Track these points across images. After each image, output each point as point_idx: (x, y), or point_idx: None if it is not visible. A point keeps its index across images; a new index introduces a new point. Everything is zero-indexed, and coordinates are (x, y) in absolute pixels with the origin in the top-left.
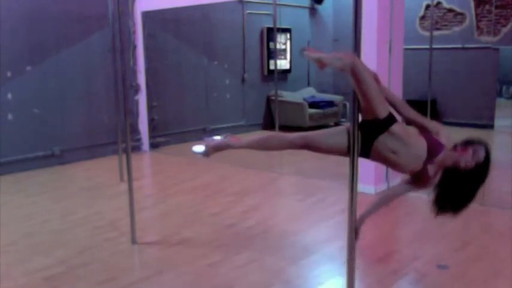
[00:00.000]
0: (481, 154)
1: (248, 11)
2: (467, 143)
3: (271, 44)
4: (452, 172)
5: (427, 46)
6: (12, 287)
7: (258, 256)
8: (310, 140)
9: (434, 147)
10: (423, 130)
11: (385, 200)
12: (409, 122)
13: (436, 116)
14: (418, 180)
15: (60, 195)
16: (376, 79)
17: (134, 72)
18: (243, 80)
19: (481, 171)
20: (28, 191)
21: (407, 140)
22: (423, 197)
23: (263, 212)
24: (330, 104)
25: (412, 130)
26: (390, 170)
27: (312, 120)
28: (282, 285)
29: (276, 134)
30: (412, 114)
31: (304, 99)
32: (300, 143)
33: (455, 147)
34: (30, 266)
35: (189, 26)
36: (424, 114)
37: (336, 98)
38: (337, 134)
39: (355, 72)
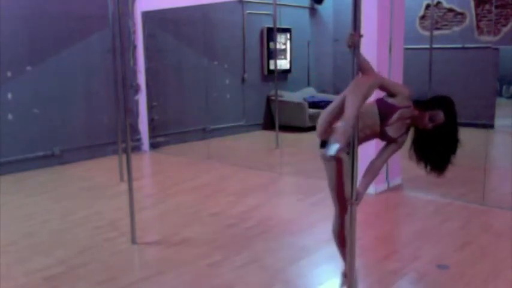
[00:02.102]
0: (439, 118)
1: (248, 11)
2: (427, 107)
3: (271, 44)
4: (420, 131)
5: (427, 46)
6: (12, 287)
7: (258, 256)
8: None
9: (385, 111)
10: (389, 93)
11: (374, 169)
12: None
13: None
14: (388, 142)
15: (60, 195)
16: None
17: (134, 72)
18: (243, 80)
19: (444, 130)
20: (28, 191)
21: (364, 111)
22: (423, 197)
23: (263, 212)
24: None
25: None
26: (390, 171)
27: (312, 121)
28: (282, 285)
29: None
30: (380, 79)
31: (304, 99)
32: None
33: (415, 108)
34: (30, 266)
35: (189, 26)
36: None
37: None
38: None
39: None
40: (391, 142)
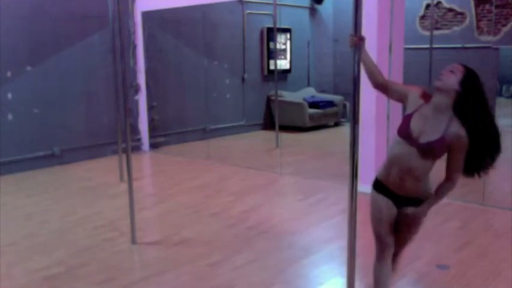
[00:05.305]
0: (458, 68)
1: (248, 11)
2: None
3: (271, 44)
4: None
5: (427, 46)
6: (12, 287)
7: (258, 256)
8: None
9: (403, 127)
10: (398, 98)
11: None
12: (383, 88)
13: None
14: (442, 147)
15: (60, 195)
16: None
17: (134, 72)
18: (243, 80)
19: (472, 89)
20: (28, 191)
21: (395, 158)
22: None
23: (263, 212)
24: (330, 104)
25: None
26: None
27: (312, 120)
28: (282, 285)
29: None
30: (383, 80)
31: (304, 99)
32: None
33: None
34: (30, 266)
35: (189, 26)
36: None
37: (336, 98)
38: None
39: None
40: (446, 144)
